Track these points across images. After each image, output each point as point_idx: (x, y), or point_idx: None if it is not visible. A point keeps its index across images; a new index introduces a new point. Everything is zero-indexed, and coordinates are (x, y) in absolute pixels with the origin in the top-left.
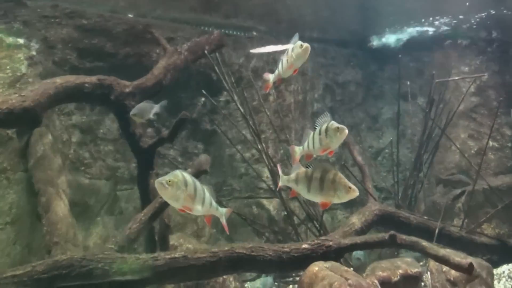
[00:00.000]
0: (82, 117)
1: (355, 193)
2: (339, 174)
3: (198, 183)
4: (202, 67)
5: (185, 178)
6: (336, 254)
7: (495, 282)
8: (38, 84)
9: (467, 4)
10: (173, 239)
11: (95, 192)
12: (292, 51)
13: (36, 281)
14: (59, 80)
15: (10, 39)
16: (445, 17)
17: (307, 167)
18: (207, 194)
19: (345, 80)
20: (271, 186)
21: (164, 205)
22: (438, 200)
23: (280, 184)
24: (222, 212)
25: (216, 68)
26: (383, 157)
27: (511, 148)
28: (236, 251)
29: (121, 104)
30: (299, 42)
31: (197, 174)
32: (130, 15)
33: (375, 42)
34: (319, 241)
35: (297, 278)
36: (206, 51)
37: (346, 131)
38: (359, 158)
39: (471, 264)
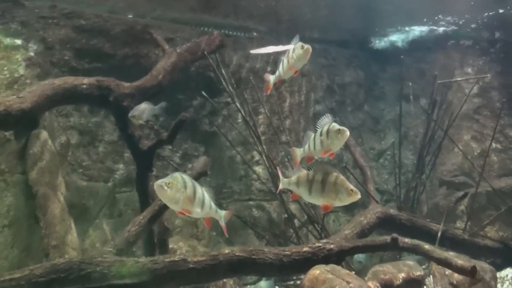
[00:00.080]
0: (81, 119)
1: (357, 196)
2: (340, 177)
3: (197, 185)
4: (202, 68)
5: (185, 180)
6: (338, 257)
7: (499, 286)
8: (36, 86)
9: (469, 4)
10: (172, 242)
11: (93, 195)
12: (293, 52)
13: (34, 284)
14: (57, 82)
15: (7, 40)
16: (447, 18)
17: (309, 170)
18: (207, 197)
19: (346, 81)
20: (272, 188)
21: (164, 207)
22: (440, 202)
23: (280, 186)
24: (222, 215)
25: (215, 69)
26: (385, 159)
27: None
28: (237, 254)
29: (119, 105)
30: (300, 43)
31: (197, 176)
32: (129, 16)
33: (376, 42)
34: (320, 244)
35: (298, 282)
36: (205, 52)
37: (348, 133)
38: (360, 160)
39: (474, 267)
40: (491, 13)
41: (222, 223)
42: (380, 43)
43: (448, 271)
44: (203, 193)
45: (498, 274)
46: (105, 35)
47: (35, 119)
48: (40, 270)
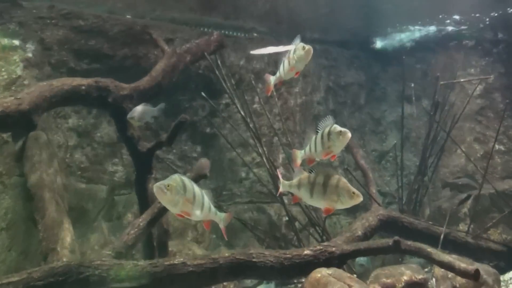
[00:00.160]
0: (79, 120)
1: (359, 198)
2: (342, 179)
3: (197, 188)
4: (202, 69)
5: (184, 182)
6: (339, 260)
7: None
8: (34, 87)
9: (472, 4)
10: (172, 245)
11: (92, 197)
12: (294, 53)
13: None
14: (55, 83)
15: (5, 41)
16: (450, 18)
17: (310, 172)
18: (206, 199)
19: (348, 82)
20: (272, 190)
21: (163, 210)
22: (443, 205)
23: (281, 189)
24: (221, 217)
25: (215, 70)
26: (387, 161)
27: None
28: (237, 257)
29: (118, 106)
30: (301, 44)
31: (197, 179)
32: (128, 16)
33: (377, 43)
34: (321, 247)
35: (299, 285)
36: (205, 53)
37: (349, 134)
38: (362, 162)
39: (477, 271)
40: (494, 14)
41: (222, 226)
42: (381, 44)
43: (451, 274)
44: (203, 195)
45: (502, 278)
46: (104, 36)
47: (33, 120)
48: (38, 274)
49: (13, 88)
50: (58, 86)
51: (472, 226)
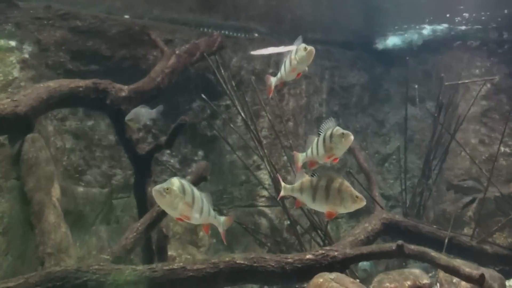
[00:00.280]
0: (76, 122)
1: (363, 202)
2: (345, 183)
3: (196, 191)
4: (201, 70)
5: (183, 185)
6: (342, 265)
7: None
8: (31, 88)
9: (477, 4)
10: (171, 250)
11: (90, 201)
12: (296, 54)
13: None
14: (52, 84)
15: (1, 42)
16: (454, 18)
17: (312, 175)
18: (206, 202)
19: (350, 83)
20: (273, 194)
21: (162, 214)
22: (447, 208)
23: (283, 193)
24: (221, 221)
25: (215, 71)
26: (390, 163)
27: None
28: (237, 261)
29: (117, 108)
30: (303, 45)
31: (196, 182)
32: (126, 16)
33: (380, 43)
34: (323, 252)
35: None
36: (205, 54)
37: (352, 137)
38: (365, 165)
39: (482, 275)
40: (499, 13)
41: (221, 230)
42: (384, 44)
43: (455, 279)
44: (202, 199)
45: (507, 282)
46: (102, 37)
47: (29, 123)
48: (35, 279)
49: (9, 89)
50: (55, 88)
51: (477, 230)
